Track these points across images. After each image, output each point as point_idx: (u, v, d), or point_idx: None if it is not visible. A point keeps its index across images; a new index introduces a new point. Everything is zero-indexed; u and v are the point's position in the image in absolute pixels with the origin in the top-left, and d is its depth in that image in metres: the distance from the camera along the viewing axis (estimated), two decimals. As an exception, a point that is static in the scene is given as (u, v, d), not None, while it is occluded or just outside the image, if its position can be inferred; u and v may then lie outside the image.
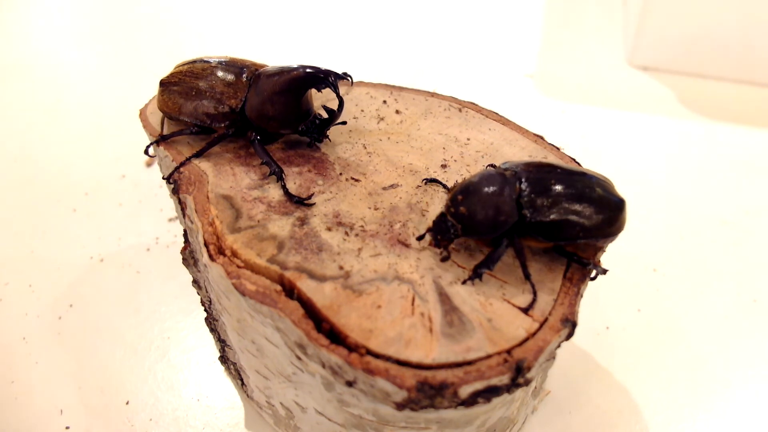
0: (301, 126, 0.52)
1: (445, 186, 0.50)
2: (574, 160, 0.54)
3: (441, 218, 0.44)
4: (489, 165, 0.52)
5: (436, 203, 0.49)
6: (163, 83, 0.54)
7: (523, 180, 0.44)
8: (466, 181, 0.45)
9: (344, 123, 0.56)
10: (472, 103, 0.61)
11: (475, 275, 0.43)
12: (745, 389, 0.67)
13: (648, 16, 1.14)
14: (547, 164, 0.46)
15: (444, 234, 0.43)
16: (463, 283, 0.43)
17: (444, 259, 0.44)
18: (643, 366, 0.69)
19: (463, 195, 0.44)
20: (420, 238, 0.46)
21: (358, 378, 0.39)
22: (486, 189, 0.43)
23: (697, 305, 0.76)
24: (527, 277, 0.43)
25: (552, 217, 0.43)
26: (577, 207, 0.44)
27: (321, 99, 0.59)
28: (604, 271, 0.45)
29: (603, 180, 0.47)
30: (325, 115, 0.53)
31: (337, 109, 0.53)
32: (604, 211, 0.45)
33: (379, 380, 0.38)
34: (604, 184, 0.47)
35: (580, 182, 0.45)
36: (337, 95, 0.51)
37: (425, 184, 0.51)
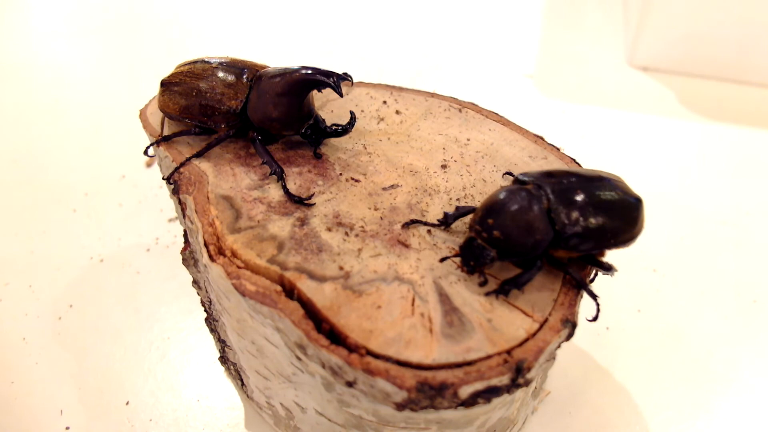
0: (304, 128, 0.52)
1: (426, 224, 0.47)
2: (574, 160, 0.54)
3: (471, 243, 0.43)
4: (506, 173, 0.52)
5: (436, 203, 0.49)
6: (163, 83, 0.54)
7: (549, 193, 0.43)
8: (492, 201, 0.43)
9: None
10: (472, 103, 0.61)
11: (501, 291, 0.42)
12: (746, 389, 0.67)
13: (648, 17, 1.14)
14: (565, 172, 0.46)
15: (478, 260, 0.42)
16: (487, 295, 0.42)
17: (482, 284, 0.43)
18: (643, 366, 0.69)
19: (494, 218, 0.42)
20: (406, 225, 0.46)
21: (358, 378, 0.39)
22: (516, 209, 0.42)
23: (697, 305, 0.76)
24: (521, 285, 0.43)
25: (585, 227, 0.43)
26: (606, 214, 0.44)
27: (321, 99, 0.59)
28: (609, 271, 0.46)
29: (618, 180, 0.47)
30: (330, 123, 0.54)
31: (348, 123, 0.53)
32: (629, 213, 0.45)
33: (379, 381, 0.38)
34: (621, 186, 0.46)
35: (602, 188, 0.45)
36: (346, 104, 0.51)
37: (405, 228, 0.47)
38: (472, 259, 0.42)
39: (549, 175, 0.45)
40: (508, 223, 0.42)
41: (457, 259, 0.45)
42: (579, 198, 0.43)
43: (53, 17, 1.38)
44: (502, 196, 0.43)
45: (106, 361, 0.69)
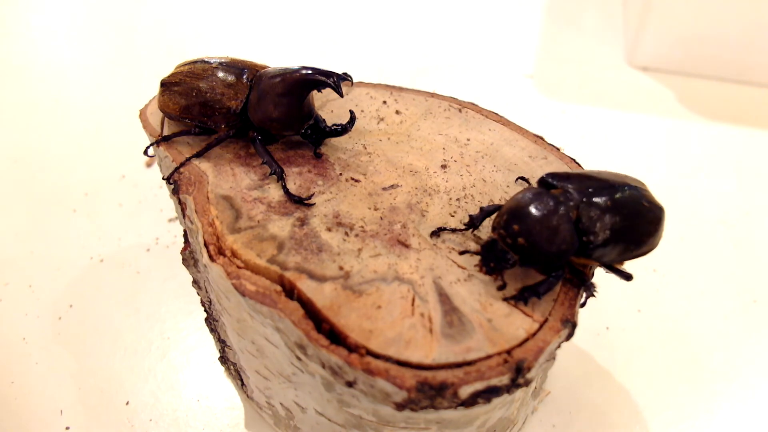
0: (304, 128, 0.52)
1: (454, 230, 0.46)
2: (574, 160, 0.54)
3: (493, 245, 0.42)
4: (519, 178, 0.51)
5: (436, 203, 0.49)
6: (163, 83, 0.54)
7: (577, 202, 0.42)
8: (518, 206, 0.42)
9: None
10: (472, 103, 0.61)
11: (521, 298, 0.42)
12: (746, 389, 0.67)
13: (648, 17, 1.14)
14: (590, 177, 0.45)
15: (499, 263, 0.41)
16: (505, 300, 0.42)
17: (501, 288, 0.42)
18: (643, 366, 0.69)
19: (520, 224, 0.41)
20: (434, 233, 0.45)
21: (358, 378, 0.39)
22: (544, 217, 0.41)
23: (697, 305, 0.76)
24: (541, 295, 0.42)
25: (611, 240, 0.42)
26: (633, 227, 0.43)
27: (321, 99, 0.59)
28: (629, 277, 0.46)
29: (643, 189, 0.46)
30: (330, 123, 0.54)
31: (348, 122, 0.53)
32: (653, 224, 0.45)
33: (379, 381, 0.38)
34: (646, 195, 0.46)
35: (630, 198, 0.44)
36: (346, 104, 0.50)
37: (434, 237, 0.46)
38: (493, 261, 0.42)
39: (576, 179, 0.44)
40: (535, 231, 0.41)
41: (460, 260, 0.45)
42: (607, 209, 0.42)
43: (53, 17, 1.38)
44: (529, 201, 0.42)
45: (106, 361, 0.69)
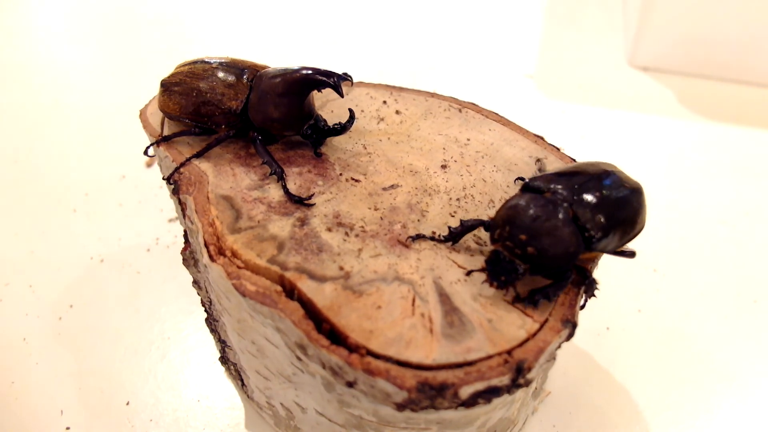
0: (305, 129, 0.52)
1: (432, 239, 0.46)
2: (573, 160, 0.54)
3: (498, 257, 0.41)
4: (518, 178, 0.51)
5: (436, 203, 0.49)
6: (164, 84, 0.54)
7: (570, 200, 0.43)
8: (518, 214, 0.42)
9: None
10: (472, 103, 0.61)
11: (531, 302, 0.42)
12: (746, 389, 0.67)
13: (648, 17, 1.14)
14: (571, 172, 0.46)
15: (510, 275, 0.41)
16: (513, 302, 0.42)
17: (516, 297, 0.42)
18: (643, 366, 0.69)
19: (526, 233, 0.41)
20: (411, 239, 0.45)
21: (358, 378, 0.39)
22: (548, 223, 0.41)
23: (697, 306, 0.76)
24: (552, 297, 0.42)
25: (610, 228, 0.43)
26: (624, 210, 0.44)
27: (321, 99, 0.59)
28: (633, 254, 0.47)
29: (619, 172, 0.47)
30: (330, 123, 0.54)
31: (348, 121, 0.53)
32: (638, 203, 0.46)
33: (379, 381, 0.38)
34: (624, 177, 0.47)
35: (613, 184, 0.45)
36: (346, 104, 0.50)
37: (411, 240, 0.46)
38: (502, 274, 0.41)
39: (560, 179, 0.44)
40: (543, 237, 0.41)
41: (460, 260, 0.45)
42: (598, 200, 0.43)
43: (53, 17, 1.38)
44: (527, 208, 0.42)
45: (106, 361, 0.69)
